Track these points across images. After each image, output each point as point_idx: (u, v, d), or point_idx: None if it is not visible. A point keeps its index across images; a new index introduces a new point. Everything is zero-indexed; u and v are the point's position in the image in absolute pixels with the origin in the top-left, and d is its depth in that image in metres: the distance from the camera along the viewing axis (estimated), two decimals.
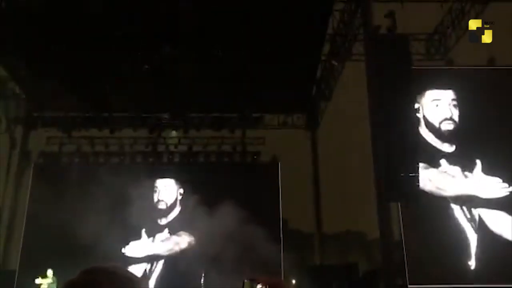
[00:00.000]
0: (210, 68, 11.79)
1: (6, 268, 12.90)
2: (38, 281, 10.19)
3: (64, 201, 11.18)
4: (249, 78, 12.25)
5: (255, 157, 14.09)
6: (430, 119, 10.47)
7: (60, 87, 11.66)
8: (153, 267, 12.40)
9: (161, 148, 14.34)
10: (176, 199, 12.99)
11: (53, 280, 10.18)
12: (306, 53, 12.11)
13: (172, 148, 14.34)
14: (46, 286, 10.15)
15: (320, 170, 15.09)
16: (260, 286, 1.45)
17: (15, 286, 11.59)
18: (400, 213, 9.74)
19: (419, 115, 10.38)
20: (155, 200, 12.93)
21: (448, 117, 10.41)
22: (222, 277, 9.65)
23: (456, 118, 10.45)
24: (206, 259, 11.46)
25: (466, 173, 10.15)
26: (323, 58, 13.10)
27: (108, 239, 11.23)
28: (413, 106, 9.28)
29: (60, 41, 10.83)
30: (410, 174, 8.12)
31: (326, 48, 12.64)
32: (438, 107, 10.49)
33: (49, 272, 10.23)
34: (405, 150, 8.36)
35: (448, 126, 10.39)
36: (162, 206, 12.88)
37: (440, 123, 10.40)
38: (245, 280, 1.49)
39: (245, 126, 14.48)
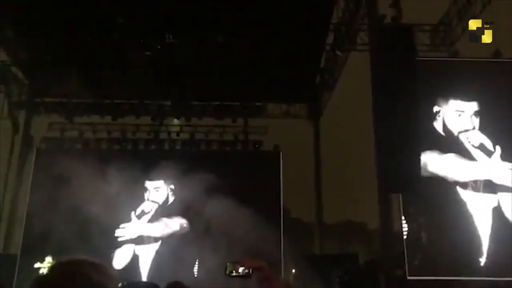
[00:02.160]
0: (213, 56, 11.72)
1: (7, 252, 12.97)
2: (37, 265, 10.29)
3: (66, 186, 11.20)
4: (252, 67, 12.18)
5: (257, 146, 14.05)
6: (450, 127, 10.13)
7: (63, 73, 11.63)
8: (145, 250, 12.39)
9: (163, 135, 14.31)
10: (168, 195, 12.95)
11: None
12: (310, 42, 12.01)
13: (174, 136, 14.32)
14: (45, 270, 10.25)
15: (322, 160, 15.07)
16: (243, 269, 1.44)
17: (16, 270, 11.66)
18: (401, 203, 9.60)
19: (439, 118, 10.12)
20: (146, 199, 12.93)
21: (471, 128, 10.06)
22: (218, 265, 9.66)
23: (477, 127, 10.07)
24: (202, 246, 11.47)
25: (482, 158, 9.73)
26: (327, 47, 13.00)
27: (104, 225, 11.33)
28: (417, 98, 9.05)
29: (63, 27, 10.79)
30: (412, 166, 8.06)
31: (330, 37, 12.54)
32: (460, 117, 10.13)
33: (48, 259, 10.30)
34: (408, 141, 8.30)
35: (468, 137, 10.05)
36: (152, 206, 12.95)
37: (460, 132, 10.08)
38: (228, 263, 1.48)
39: (247, 115, 14.43)
